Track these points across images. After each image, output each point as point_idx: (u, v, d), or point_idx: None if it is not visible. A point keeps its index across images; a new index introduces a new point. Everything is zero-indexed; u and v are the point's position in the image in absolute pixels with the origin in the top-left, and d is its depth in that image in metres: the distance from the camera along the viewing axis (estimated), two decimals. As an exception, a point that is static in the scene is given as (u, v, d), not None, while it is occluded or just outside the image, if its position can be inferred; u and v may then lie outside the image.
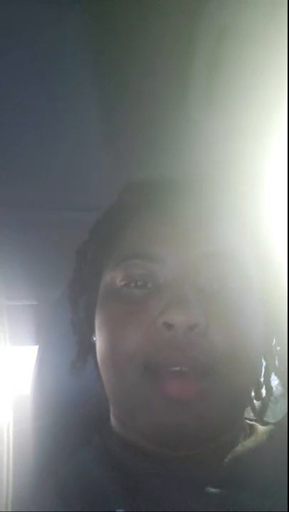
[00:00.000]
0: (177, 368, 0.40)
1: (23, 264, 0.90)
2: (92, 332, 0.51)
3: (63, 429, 0.53)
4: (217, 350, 0.41)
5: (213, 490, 0.40)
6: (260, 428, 0.50)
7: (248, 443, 0.46)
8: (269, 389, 0.52)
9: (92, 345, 0.51)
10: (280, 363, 0.51)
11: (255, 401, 0.53)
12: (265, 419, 0.52)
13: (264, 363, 0.52)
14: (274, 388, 0.51)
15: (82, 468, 0.45)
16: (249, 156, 0.54)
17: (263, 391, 0.52)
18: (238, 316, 0.43)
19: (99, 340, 0.47)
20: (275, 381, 0.52)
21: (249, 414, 0.53)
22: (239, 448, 0.45)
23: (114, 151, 0.61)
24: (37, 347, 0.72)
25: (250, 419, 0.53)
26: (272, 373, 0.52)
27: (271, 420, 0.52)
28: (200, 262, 0.44)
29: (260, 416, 0.52)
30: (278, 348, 0.51)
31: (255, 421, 0.52)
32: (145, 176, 0.54)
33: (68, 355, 0.56)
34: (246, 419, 0.53)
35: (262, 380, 0.52)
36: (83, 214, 0.71)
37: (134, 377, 0.42)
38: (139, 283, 0.45)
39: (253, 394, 0.53)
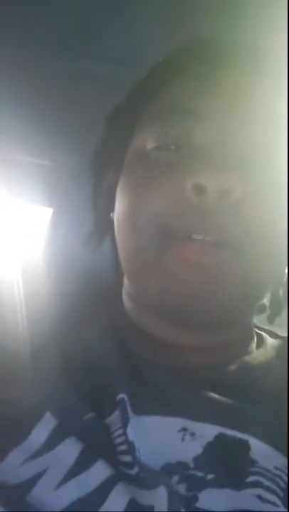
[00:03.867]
0: (200, 237, 0.37)
1: (46, 120, 0.84)
2: (112, 208, 0.46)
3: (72, 299, 0.52)
4: (248, 225, 0.37)
5: (217, 395, 0.39)
6: (270, 340, 0.48)
7: (258, 353, 0.45)
8: (283, 296, 0.50)
9: (111, 221, 0.47)
10: None
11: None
12: (274, 331, 0.51)
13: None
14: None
15: (89, 346, 0.44)
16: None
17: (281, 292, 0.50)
18: (278, 193, 0.38)
19: (119, 202, 0.43)
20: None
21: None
22: (249, 356, 0.44)
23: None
24: (50, 210, 0.70)
25: (259, 328, 0.51)
26: None
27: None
28: (246, 128, 0.38)
29: (271, 319, 0.51)
30: None
31: (265, 331, 0.51)
32: (189, 37, 0.46)
33: (83, 227, 0.54)
34: (256, 327, 0.51)
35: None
36: (121, 71, 0.64)
37: (152, 237, 0.39)
38: (172, 146, 0.40)
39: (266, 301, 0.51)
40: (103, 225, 0.50)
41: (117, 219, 0.44)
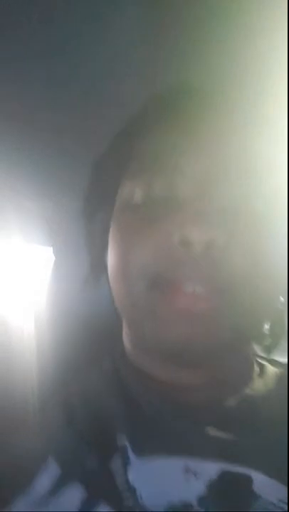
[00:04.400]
0: (190, 287, 0.37)
1: (44, 164, 0.86)
2: (106, 251, 0.47)
3: (76, 344, 0.53)
4: (235, 272, 0.38)
5: (218, 432, 0.39)
6: (270, 368, 0.48)
7: (257, 384, 0.45)
8: (282, 325, 0.50)
9: (106, 265, 0.47)
10: None
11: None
12: (275, 359, 0.51)
13: (282, 300, 0.48)
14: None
15: (89, 390, 0.44)
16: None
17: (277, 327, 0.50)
18: (261, 239, 0.39)
19: (111, 253, 0.44)
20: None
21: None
22: (248, 388, 0.44)
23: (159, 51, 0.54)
24: (52, 250, 0.71)
25: (261, 357, 0.51)
26: None
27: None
28: (227, 179, 0.39)
29: (268, 351, 0.51)
30: None
31: (266, 360, 0.51)
32: (171, 85, 0.47)
33: (84, 268, 0.54)
34: (257, 356, 0.51)
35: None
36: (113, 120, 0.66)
37: (144, 288, 0.39)
38: (157, 199, 0.41)
39: (265, 330, 0.51)
40: (98, 267, 0.50)
41: (110, 268, 0.45)
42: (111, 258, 0.44)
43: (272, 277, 0.40)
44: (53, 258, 0.66)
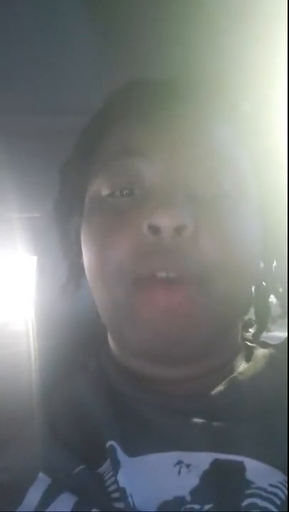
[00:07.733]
0: (164, 273, 0.37)
1: (24, 176, 0.86)
2: (82, 254, 0.46)
3: (62, 350, 0.52)
4: (207, 257, 0.37)
5: (208, 421, 0.38)
6: (259, 351, 0.47)
7: (246, 368, 0.44)
8: (267, 310, 0.49)
9: (83, 267, 0.46)
10: (280, 285, 0.47)
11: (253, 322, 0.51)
12: (264, 341, 0.50)
13: (264, 285, 0.48)
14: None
15: (76, 396, 0.44)
16: (250, 54, 0.46)
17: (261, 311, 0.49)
18: (231, 222, 0.39)
19: (85, 255, 0.43)
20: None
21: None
22: (236, 373, 0.43)
23: (113, 49, 0.54)
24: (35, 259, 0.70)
25: (249, 341, 0.50)
26: (271, 295, 0.48)
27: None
28: (191, 164, 0.39)
29: (256, 336, 0.50)
30: (279, 270, 0.47)
31: (255, 342, 0.50)
32: (136, 77, 0.47)
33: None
34: (246, 340, 0.50)
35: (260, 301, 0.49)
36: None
37: (122, 289, 0.39)
38: (124, 191, 0.40)
39: (251, 316, 0.50)
40: (76, 270, 0.50)
41: (87, 269, 0.44)
42: (86, 257, 0.44)
43: (245, 262, 0.40)
44: (37, 265, 0.66)
